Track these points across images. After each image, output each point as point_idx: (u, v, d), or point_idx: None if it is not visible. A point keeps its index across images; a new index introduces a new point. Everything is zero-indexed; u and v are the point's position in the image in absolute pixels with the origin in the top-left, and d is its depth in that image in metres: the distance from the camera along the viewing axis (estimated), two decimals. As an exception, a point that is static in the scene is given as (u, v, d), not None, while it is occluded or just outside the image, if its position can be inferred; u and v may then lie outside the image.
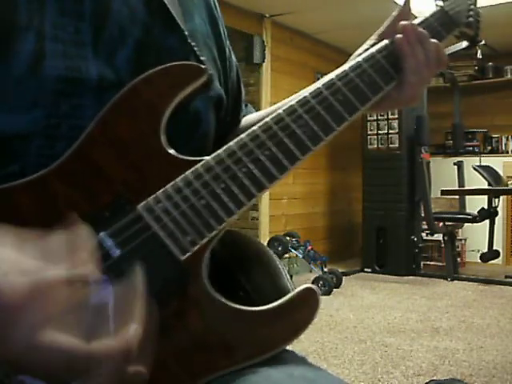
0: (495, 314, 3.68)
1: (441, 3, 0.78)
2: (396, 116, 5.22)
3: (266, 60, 5.02)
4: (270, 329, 0.57)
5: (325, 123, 0.63)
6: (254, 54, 4.90)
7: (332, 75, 0.66)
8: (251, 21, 4.92)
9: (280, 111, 0.62)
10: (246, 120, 0.85)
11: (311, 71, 5.62)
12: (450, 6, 0.78)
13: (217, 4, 0.79)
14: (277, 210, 5.08)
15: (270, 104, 4.94)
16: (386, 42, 0.71)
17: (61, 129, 0.57)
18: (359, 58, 0.69)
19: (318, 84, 0.65)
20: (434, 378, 2.51)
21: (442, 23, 0.76)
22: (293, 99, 0.64)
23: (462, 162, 5.47)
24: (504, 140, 6.19)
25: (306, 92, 0.64)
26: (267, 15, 5.03)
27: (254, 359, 0.56)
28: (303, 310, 0.58)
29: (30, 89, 0.55)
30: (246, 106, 0.88)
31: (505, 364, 2.71)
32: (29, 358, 0.41)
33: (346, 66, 0.68)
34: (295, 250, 4.52)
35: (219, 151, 0.59)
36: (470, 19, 0.81)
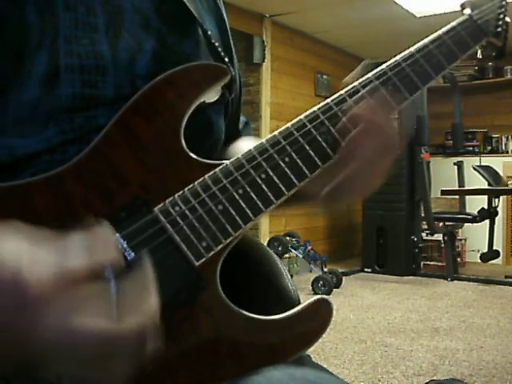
0: (495, 314, 3.68)
1: (469, 11, 0.75)
2: (396, 116, 5.21)
3: (265, 60, 5.02)
4: (282, 338, 0.56)
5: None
6: (254, 54, 4.91)
7: (342, 91, 0.63)
8: (251, 21, 4.92)
9: (301, 117, 0.61)
10: (236, 147, 0.75)
11: (311, 71, 5.62)
12: (479, 14, 0.75)
13: (222, 4, 0.78)
14: (277, 210, 5.07)
15: (270, 104, 4.95)
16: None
17: (74, 138, 0.56)
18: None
19: (340, 92, 0.63)
20: (434, 377, 2.51)
21: (469, 33, 0.73)
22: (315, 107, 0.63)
23: (462, 162, 5.47)
24: (504, 140, 6.19)
25: (329, 99, 0.63)
26: (267, 15, 5.04)
27: (263, 368, 0.55)
28: (316, 320, 0.57)
29: (44, 111, 0.54)
30: (246, 123, 0.84)
31: (505, 364, 2.71)
32: (62, 348, 0.41)
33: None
34: (295, 249, 4.52)
35: (239, 156, 0.57)
36: (499, 29, 0.77)
